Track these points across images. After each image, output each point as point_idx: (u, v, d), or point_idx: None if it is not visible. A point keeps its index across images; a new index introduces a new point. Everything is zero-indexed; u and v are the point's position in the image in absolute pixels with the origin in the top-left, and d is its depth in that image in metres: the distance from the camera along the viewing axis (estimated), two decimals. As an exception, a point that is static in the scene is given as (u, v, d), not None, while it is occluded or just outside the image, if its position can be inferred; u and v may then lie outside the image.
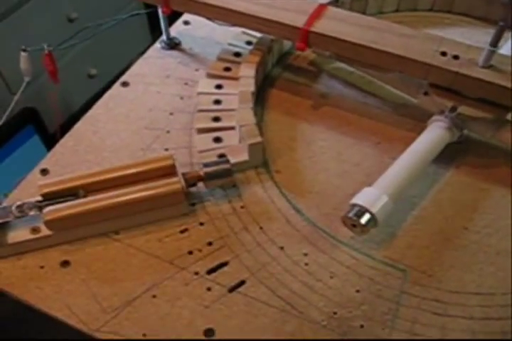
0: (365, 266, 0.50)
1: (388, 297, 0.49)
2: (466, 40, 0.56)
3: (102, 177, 0.51)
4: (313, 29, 0.55)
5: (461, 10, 0.74)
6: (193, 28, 0.70)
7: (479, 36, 0.58)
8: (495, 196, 0.56)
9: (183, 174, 0.52)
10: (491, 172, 0.58)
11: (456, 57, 0.54)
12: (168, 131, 0.60)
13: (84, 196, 0.51)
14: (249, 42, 0.64)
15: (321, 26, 0.56)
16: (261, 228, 0.52)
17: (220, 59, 0.63)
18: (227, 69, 0.62)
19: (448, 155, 0.58)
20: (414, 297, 0.49)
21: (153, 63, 0.66)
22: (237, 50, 0.63)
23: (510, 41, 0.63)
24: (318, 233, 0.52)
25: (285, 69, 0.67)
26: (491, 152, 0.59)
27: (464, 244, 0.52)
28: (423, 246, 0.52)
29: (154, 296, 0.49)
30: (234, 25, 0.60)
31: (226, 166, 0.52)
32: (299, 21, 0.56)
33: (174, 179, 0.51)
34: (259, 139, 0.54)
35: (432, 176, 0.57)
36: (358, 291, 0.49)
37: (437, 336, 0.47)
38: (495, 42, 0.51)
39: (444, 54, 0.54)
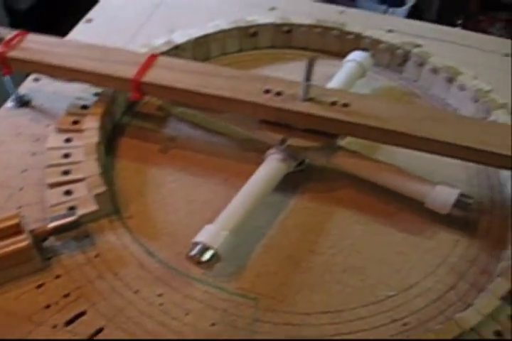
0: (218, 299, 0.53)
1: (242, 326, 0.51)
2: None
3: None
4: (144, 79, 0.58)
5: (300, 44, 0.79)
6: (43, 84, 0.72)
7: (318, 68, 0.61)
8: (338, 217, 0.60)
9: (31, 231, 0.53)
10: (333, 196, 0.62)
11: (279, 93, 0.57)
12: (21, 189, 0.60)
13: None
14: (96, 94, 0.66)
15: (151, 76, 0.59)
16: (116, 274, 0.54)
17: (68, 113, 0.64)
18: (76, 122, 0.63)
19: (292, 184, 0.61)
20: (267, 323, 0.51)
21: (5, 122, 0.67)
22: (84, 102, 0.65)
23: (337, 75, 0.68)
24: (171, 273, 0.54)
25: (134, 116, 0.69)
26: (333, 176, 0.63)
27: (310, 266, 0.56)
28: (272, 273, 0.55)
29: (13, 355, 0.49)
30: (72, 81, 0.62)
31: (72, 218, 0.53)
32: (131, 73, 0.59)
33: (21, 237, 0.52)
34: (103, 189, 0.56)
35: (277, 205, 0.60)
36: (213, 324, 0.51)
37: (291, 358, 0.49)
38: (308, 77, 0.55)
39: (267, 91, 0.58)
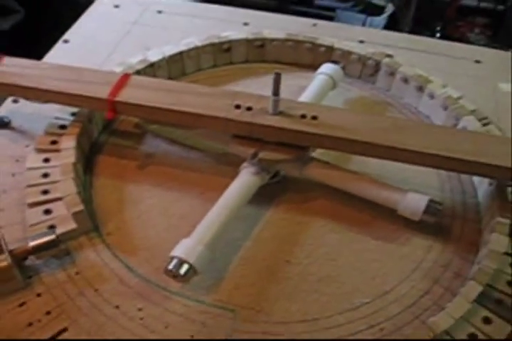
0: (196, 311, 0.54)
1: (221, 337, 0.52)
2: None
3: None
4: (117, 99, 0.60)
5: (272, 58, 0.81)
6: (22, 106, 0.73)
7: (291, 80, 0.63)
8: (313, 227, 0.61)
9: (11, 250, 0.54)
10: (308, 206, 0.63)
11: (249, 108, 0.59)
12: (1, 210, 0.61)
13: None
14: (74, 114, 0.67)
15: (124, 95, 0.60)
16: (96, 290, 0.55)
17: (47, 133, 0.65)
18: (54, 142, 0.64)
19: (268, 195, 0.63)
20: (245, 333, 0.52)
21: (-16, 144, 0.69)
22: (62, 122, 0.66)
23: (308, 88, 0.70)
24: (151, 287, 0.55)
25: (111, 134, 0.70)
26: (307, 187, 0.64)
27: (287, 276, 0.57)
28: (249, 284, 0.56)
29: (-3, 375, 0.50)
30: (48, 102, 0.63)
31: (51, 237, 0.55)
32: (104, 92, 0.60)
33: (1, 257, 0.53)
34: (80, 207, 0.57)
35: (253, 217, 0.61)
36: (191, 337, 0.52)
37: (269, 367, 0.51)
38: (276, 91, 0.56)
39: (238, 107, 0.59)
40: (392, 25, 1.28)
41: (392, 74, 0.75)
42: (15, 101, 0.74)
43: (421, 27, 1.13)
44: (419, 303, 0.55)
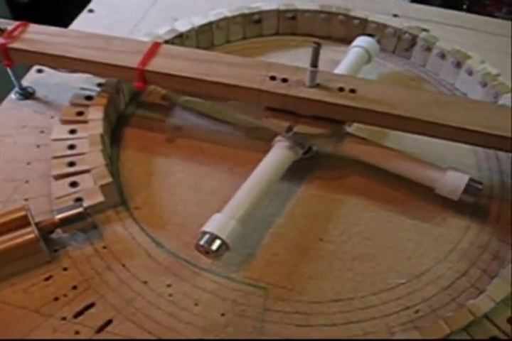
0: (227, 289, 0.52)
1: (252, 316, 0.51)
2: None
3: (-45, 236, 0.51)
4: (147, 68, 0.58)
5: (304, 31, 0.78)
6: (46, 76, 0.71)
7: (323, 54, 0.60)
8: (347, 205, 0.59)
9: (37, 223, 0.53)
10: (342, 183, 0.61)
11: (284, 80, 0.57)
12: (27, 181, 0.60)
13: None
14: (100, 85, 0.65)
15: (155, 64, 0.58)
16: (123, 265, 0.53)
17: (72, 104, 0.64)
18: (80, 113, 0.63)
19: (300, 171, 0.61)
20: (277, 312, 0.51)
21: (8, 114, 0.67)
22: (88, 93, 0.65)
23: (343, 61, 0.67)
24: (180, 263, 0.54)
25: (139, 106, 0.68)
26: (341, 164, 0.62)
27: (320, 254, 0.55)
28: (281, 261, 0.54)
29: (22, 348, 0.49)
30: (76, 71, 0.61)
31: (79, 210, 0.53)
32: (134, 61, 0.58)
33: (28, 229, 0.51)
34: (109, 180, 0.55)
35: (285, 193, 0.60)
36: (222, 315, 0.50)
37: (302, 346, 0.49)
38: (314, 63, 0.54)
39: (273, 78, 0.57)
40: (419, 0, 1.25)
41: (428, 49, 0.73)
42: (39, 71, 0.72)
43: (447, 4, 1.09)
44: (456, 285, 0.53)
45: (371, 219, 0.58)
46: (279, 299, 0.52)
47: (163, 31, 0.72)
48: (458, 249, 0.56)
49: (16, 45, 0.61)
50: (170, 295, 0.52)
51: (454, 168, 0.57)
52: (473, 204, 0.58)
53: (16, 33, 0.62)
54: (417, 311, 0.51)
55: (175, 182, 0.60)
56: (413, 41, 0.74)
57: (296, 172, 0.60)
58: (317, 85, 0.56)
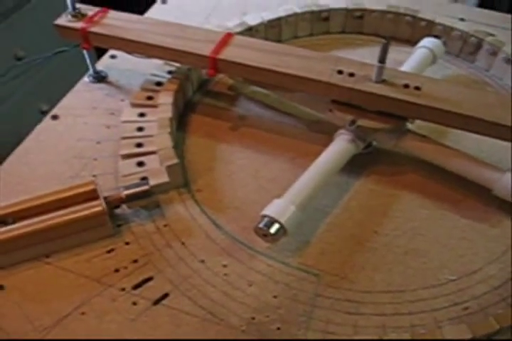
0: (281, 273, 0.54)
1: (303, 300, 0.52)
2: (376, 59, 0.59)
3: (28, 205, 0.54)
4: (220, 56, 0.60)
5: (370, 31, 0.79)
6: (119, 62, 0.74)
7: (388, 54, 0.61)
8: (402, 201, 0.60)
9: (105, 197, 0.55)
10: (399, 179, 0.62)
11: (351, 74, 0.58)
12: (95, 159, 0.63)
13: (13, 223, 0.54)
14: (170, 72, 0.68)
15: (227, 53, 0.60)
16: (183, 244, 0.55)
17: (143, 89, 0.66)
18: (150, 98, 0.65)
19: (358, 166, 0.62)
20: (328, 298, 0.52)
21: (82, 96, 0.70)
22: (158, 79, 0.67)
23: (408, 61, 0.68)
24: (237, 245, 0.56)
25: (205, 95, 0.71)
26: (399, 160, 0.63)
27: (374, 246, 0.56)
28: (335, 251, 0.56)
29: (83, 313, 0.51)
30: (150, 57, 0.64)
31: (145, 188, 0.55)
32: (207, 50, 0.60)
33: (96, 202, 0.54)
34: (175, 161, 0.58)
35: (343, 186, 0.61)
36: (275, 297, 0.52)
37: (350, 333, 0.50)
38: (382, 59, 0.55)
39: (340, 72, 0.58)
40: (485, 5, 1.23)
41: (494, 53, 0.73)
42: (112, 57, 0.75)
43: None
44: (507, 286, 0.54)
45: (426, 215, 0.59)
46: (331, 286, 0.53)
47: (233, 24, 0.74)
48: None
49: (95, 29, 0.64)
50: (225, 274, 0.53)
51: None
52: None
53: (96, 19, 0.65)
54: (465, 308, 0.52)
55: (236, 169, 0.62)
56: (479, 45, 0.74)
57: (355, 166, 0.61)
58: (383, 81, 0.57)
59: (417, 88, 0.57)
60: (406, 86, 0.57)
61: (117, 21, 0.65)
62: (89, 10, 0.66)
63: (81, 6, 0.67)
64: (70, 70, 1.29)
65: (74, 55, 0.74)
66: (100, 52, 0.75)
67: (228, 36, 0.62)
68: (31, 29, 1.30)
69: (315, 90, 0.59)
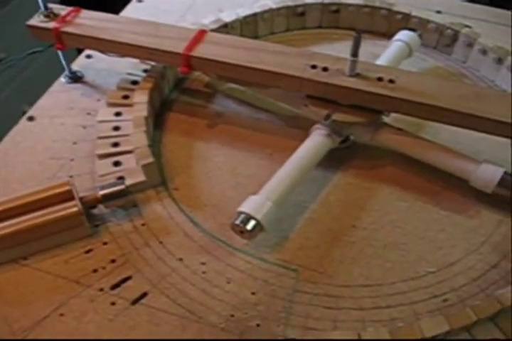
0: (259, 269, 0.54)
1: (282, 296, 0.52)
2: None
3: (3, 207, 0.54)
4: (193, 54, 0.60)
5: (347, 25, 0.79)
6: (95, 61, 0.74)
7: (365, 47, 0.61)
8: (381, 194, 0.60)
9: (81, 198, 0.55)
10: (377, 173, 0.62)
11: (325, 69, 0.58)
12: (72, 160, 0.62)
13: (-13, 226, 0.53)
14: (146, 70, 0.67)
15: (200, 50, 0.60)
16: (161, 242, 0.55)
17: (119, 88, 0.66)
18: (126, 97, 0.65)
19: (336, 160, 0.62)
20: (307, 294, 0.52)
21: (58, 96, 0.70)
22: (134, 78, 0.67)
23: (383, 54, 0.68)
24: (215, 242, 0.56)
25: (182, 92, 0.71)
26: (377, 154, 0.63)
27: (352, 240, 0.56)
28: (313, 246, 0.56)
29: (62, 314, 0.51)
30: (124, 56, 0.64)
31: (121, 187, 0.55)
32: (180, 47, 0.60)
33: (72, 203, 0.54)
34: (151, 160, 0.57)
35: (321, 181, 0.61)
36: (253, 293, 0.52)
37: (329, 328, 0.50)
38: (355, 53, 0.55)
39: (314, 67, 0.58)
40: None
41: (470, 45, 0.73)
42: (88, 57, 0.75)
43: (495, 4, 1.07)
44: (486, 277, 0.54)
45: (404, 208, 0.59)
46: (310, 281, 0.53)
47: (208, 21, 0.73)
48: (490, 241, 0.56)
49: (68, 29, 0.64)
50: (203, 272, 0.53)
51: (489, 161, 0.57)
52: (507, 198, 0.58)
53: (68, 18, 0.65)
54: (445, 300, 0.52)
55: (214, 166, 0.62)
56: (455, 37, 0.74)
57: (332, 160, 0.61)
58: (357, 75, 0.57)
59: (391, 81, 0.57)
60: (380, 79, 0.57)
61: (90, 21, 0.65)
62: (62, 10, 0.66)
63: (53, 6, 0.66)
64: (50, 71, 1.30)
65: (53, 56, 0.73)
66: (81, 52, 0.75)
67: (202, 33, 0.62)
68: (11, 30, 1.30)
69: (289, 85, 0.59)
